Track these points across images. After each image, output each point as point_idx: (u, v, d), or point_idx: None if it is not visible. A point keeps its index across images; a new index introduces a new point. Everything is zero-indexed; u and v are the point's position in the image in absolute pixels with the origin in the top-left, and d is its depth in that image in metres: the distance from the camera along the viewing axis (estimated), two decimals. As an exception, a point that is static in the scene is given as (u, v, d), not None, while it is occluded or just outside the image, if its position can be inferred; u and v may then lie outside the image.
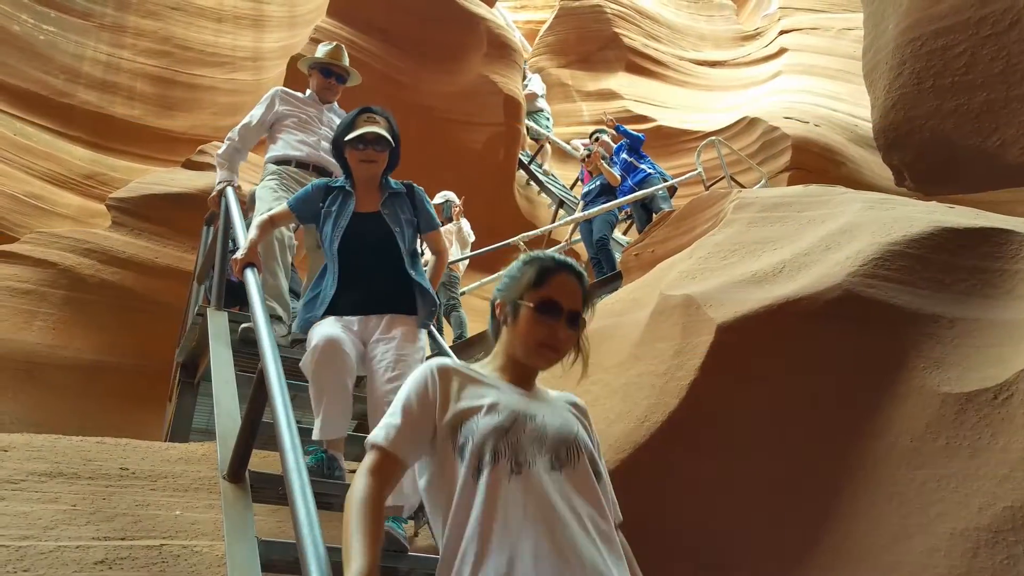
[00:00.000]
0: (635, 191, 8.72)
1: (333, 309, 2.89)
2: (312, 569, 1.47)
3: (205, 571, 2.50)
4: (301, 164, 4.29)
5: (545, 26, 15.96)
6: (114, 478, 3.01)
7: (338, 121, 4.26)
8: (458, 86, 10.25)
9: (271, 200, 3.96)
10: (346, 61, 4.62)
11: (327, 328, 2.80)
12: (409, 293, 3.00)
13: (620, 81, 14.32)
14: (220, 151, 4.30)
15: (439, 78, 10.04)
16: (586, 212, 8.53)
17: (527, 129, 11.95)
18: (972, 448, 2.50)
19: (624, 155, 9.06)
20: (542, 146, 12.24)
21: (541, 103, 12.46)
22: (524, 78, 12.48)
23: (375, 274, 2.98)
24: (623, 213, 9.45)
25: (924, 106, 5.17)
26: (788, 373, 2.86)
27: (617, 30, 14.73)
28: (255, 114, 4.37)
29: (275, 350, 2.34)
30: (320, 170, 4.30)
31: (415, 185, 3.30)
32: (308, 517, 1.61)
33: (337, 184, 3.17)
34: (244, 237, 3.32)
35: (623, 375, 3.22)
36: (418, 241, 3.31)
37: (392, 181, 3.21)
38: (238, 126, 4.36)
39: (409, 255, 3.06)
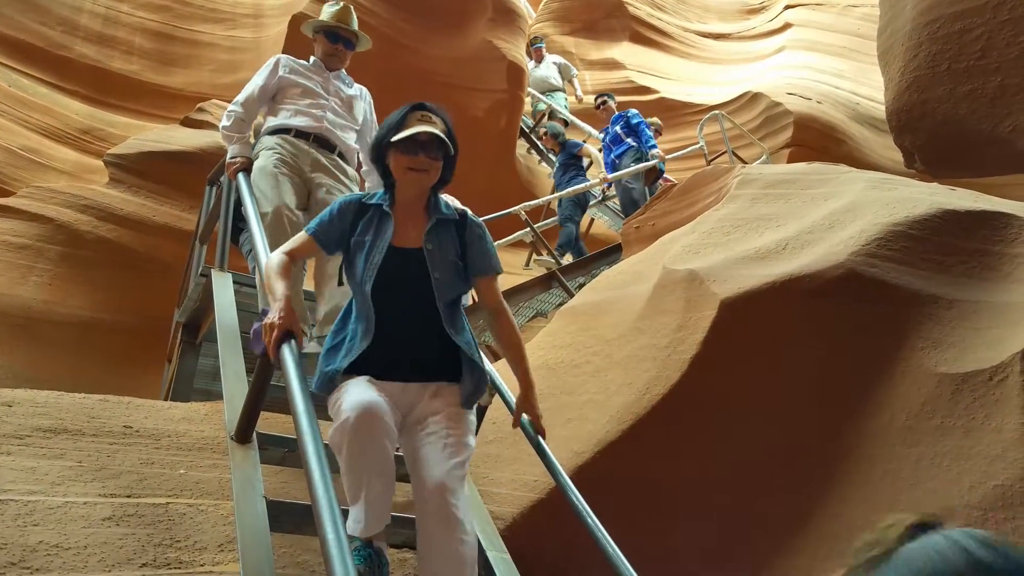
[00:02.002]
0: (615, 164, 8.76)
1: (362, 366, 2.22)
2: (328, 530, 1.51)
3: (211, 529, 2.54)
4: (301, 134, 3.81)
5: (550, -8, 15.76)
6: (118, 436, 3.04)
7: (347, 90, 4.06)
8: (461, 51, 10.14)
9: (269, 187, 3.55)
10: (355, 24, 4.19)
11: (360, 392, 2.12)
12: (456, 359, 2.32)
13: (624, 51, 14.20)
14: (226, 124, 3.85)
15: (442, 42, 9.94)
16: (575, 187, 8.48)
17: (545, 110, 11.64)
18: (966, 428, 2.56)
19: (618, 128, 9.01)
20: (543, 115, 12.15)
21: (556, 81, 12.05)
22: (540, 56, 12.11)
23: (416, 330, 2.30)
24: (602, 192, 9.48)
25: (938, 89, 5.15)
26: (789, 349, 2.91)
27: (622, -2, 14.57)
28: (257, 82, 3.94)
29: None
30: (322, 142, 3.85)
31: (470, 214, 2.48)
32: (323, 479, 1.64)
33: (372, 202, 2.39)
34: (260, 294, 2.70)
35: (625, 347, 3.26)
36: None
37: (442, 202, 2.43)
38: (241, 96, 3.92)
39: (448, 309, 2.33)
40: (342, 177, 3.81)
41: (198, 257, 4.52)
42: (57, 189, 7.68)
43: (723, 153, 10.02)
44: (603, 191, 9.43)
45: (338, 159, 3.86)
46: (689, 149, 9.53)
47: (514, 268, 8.64)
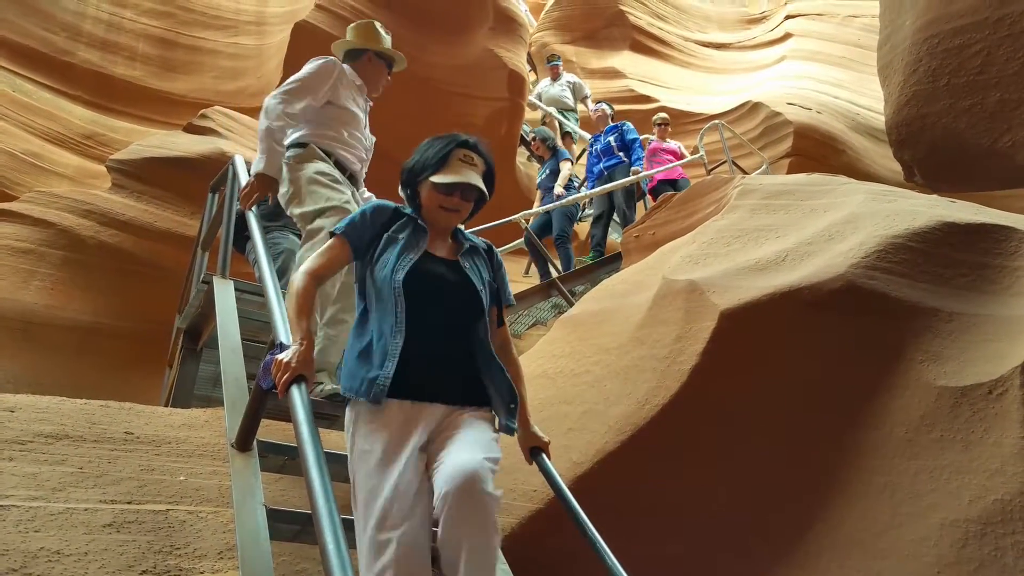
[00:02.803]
0: (603, 175, 8.71)
1: (400, 382, 2.01)
2: (328, 539, 1.51)
3: (211, 536, 2.55)
4: (340, 165, 3.48)
5: (551, 1, 15.81)
6: (119, 442, 3.05)
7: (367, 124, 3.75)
8: (462, 59, 10.17)
9: (331, 189, 3.22)
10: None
11: (402, 508, 1.88)
12: (484, 377, 2.18)
13: (624, 60, 14.24)
14: (272, 124, 3.30)
15: (443, 50, 9.97)
16: (571, 196, 8.43)
17: (559, 125, 11.50)
18: (965, 441, 2.56)
19: (611, 138, 8.96)
20: (545, 123, 12.18)
21: (569, 100, 11.92)
22: (556, 75, 11.94)
23: (451, 338, 2.14)
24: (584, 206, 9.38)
25: (938, 103, 5.18)
26: (789, 361, 2.91)
27: (623, 8, 14.62)
28: (310, 94, 3.42)
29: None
30: (352, 180, 3.55)
31: (493, 247, 2.48)
32: (323, 488, 1.65)
33: (408, 211, 2.32)
34: (280, 325, 2.31)
35: (624, 357, 3.26)
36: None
37: (468, 233, 2.41)
38: (299, 101, 3.38)
39: (482, 322, 2.23)
40: None
41: (200, 264, 4.53)
42: (59, 194, 7.70)
43: (723, 163, 10.06)
44: (582, 205, 9.28)
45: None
46: (689, 159, 9.55)
47: (513, 276, 8.65)
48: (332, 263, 2.23)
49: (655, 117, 10.00)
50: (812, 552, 2.63)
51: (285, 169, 3.37)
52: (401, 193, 2.34)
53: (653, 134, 9.75)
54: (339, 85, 3.51)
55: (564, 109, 11.61)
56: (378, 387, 1.99)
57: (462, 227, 2.44)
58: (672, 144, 9.56)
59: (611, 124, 9.27)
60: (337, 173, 3.41)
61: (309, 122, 3.47)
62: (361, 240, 2.24)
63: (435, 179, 2.20)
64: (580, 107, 11.82)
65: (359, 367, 2.07)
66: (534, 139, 8.89)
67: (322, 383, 3.01)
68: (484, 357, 2.18)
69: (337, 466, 2.28)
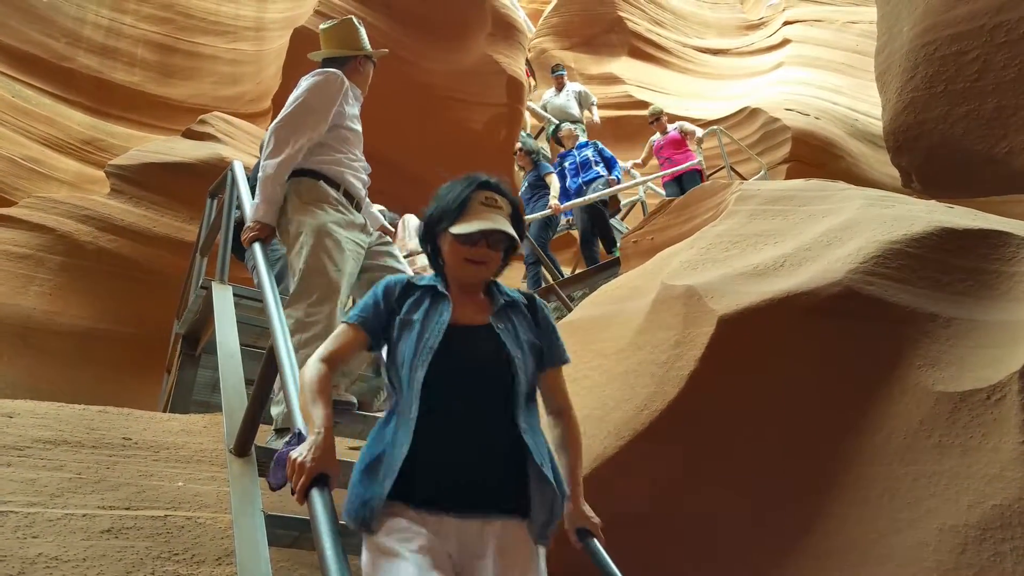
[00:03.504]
0: (582, 191, 8.56)
1: (405, 488, 1.71)
2: (326, 545, 1.51)
3: (209, 542, 2.55)
4: (348, 195, 3.23)
5: (549, 7, 15.86)
6: (117, 447, 3.05)
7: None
8: (461, 65, 10.20)
9: (341, 258, 2.97)
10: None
11: None
12: (523, 476, 1.81)
13: (623, 66, 14.29)
14: (274, 174, 3.04)
15: (442, 56, 10.00)
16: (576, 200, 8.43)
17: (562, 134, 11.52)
18: (964, 447, 2.56)
19: (588, 152, 8.88)
20: (543, 128, 12.20)
21: (575, 111, 11.83)
22: (561, 84, 11.90)
23: (477, 435, 1.79)
24: (566, 220, 9.27)
25: (935, 110, 5.20)
26: (787, 366, 2.91)
27: (621, 14, 14.67)
28: (320, 118, 3.15)
29: (284, 327, 2.37)
30: (357, 207, 3.31)
31: (538, 297, 2.13)
32: (321, 495, 1.65)
33: (422, 283, 2.00)
34: (295, 402, 2.10)
35: (623, 363, 3.26)
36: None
37: (503, 285, 2.07)
38: (302, 136, 3.10)
39: (525, 401, 1.88)
40: (381, 239, 3.44)
41: (199, 269, 4.53)
42: (58, 199, 7.71)
43: (721, 168, 10.08)
44: (569, 221, 9.20)
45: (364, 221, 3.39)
46: (687, 164, 9.57)
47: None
48: (346, 349, 1.93)
49: (647, 113, 10.02)
50: (810, 558, 2.63)
51: (289, 200, 3.11)
52: (422, 245, 2.06)
53: (654, 134, 9.78)
54: (345, 103, 3.29)
55: (570, 120, 11.35)
56: (368, 510, 1.68)
57: (499, 281, 2.09)
58: (673, 132, 9.56)
59: (582, 141, 9.19)
60: (346, 213, 3.17)
61: (317, 146, 3.20)
62: (376, 323, 1.95)
63: (456, 230, 1.87)
64: (585, 114, 11.77)
65: (359, 482, 1.75)
66: (519, 149, 8.71)
67: (336, 385, 2.99)
68: (526, 444, 1.81)
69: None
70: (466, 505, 1.72)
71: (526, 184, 8.59)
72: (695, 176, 9.07)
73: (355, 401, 3.13)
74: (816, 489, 2.73)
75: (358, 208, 3.32)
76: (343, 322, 1.97)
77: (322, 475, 1.66)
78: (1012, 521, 2.30)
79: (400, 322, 1.90)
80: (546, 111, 11.77)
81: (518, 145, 8.69)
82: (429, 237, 2.00)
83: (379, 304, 1.96)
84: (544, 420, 2.01)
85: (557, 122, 11.29)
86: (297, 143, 3.09)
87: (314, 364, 1.86)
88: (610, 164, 8.82)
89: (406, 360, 1.83)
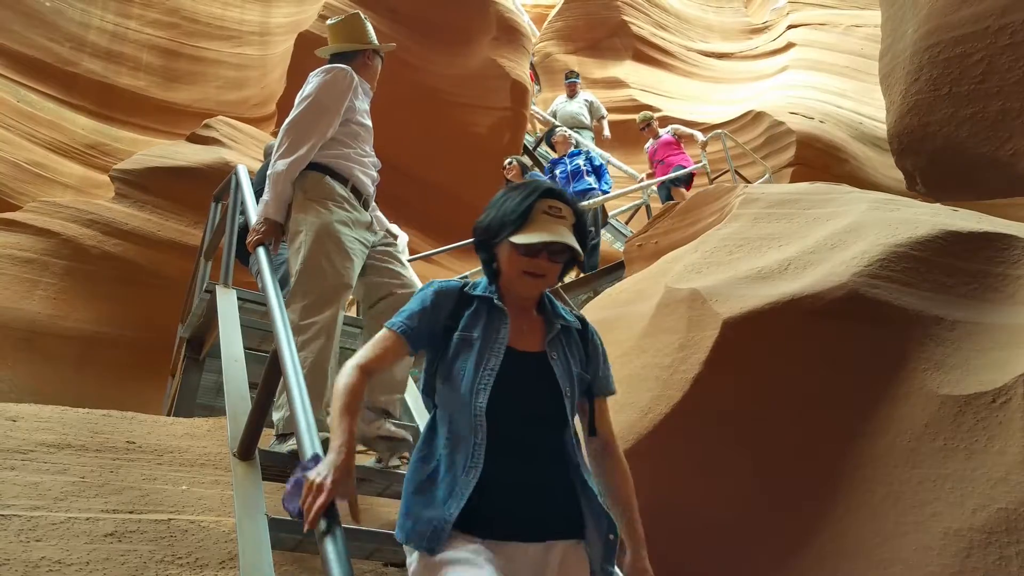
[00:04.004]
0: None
1: (470, 518, 1.64)
2: (329, 549, 1.51)
3: (212, 546, 2.54)
4: (356, 191, 3.15)
5: (554, 11, 15.89)
6: (121, 451, 3.05)
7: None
8: (465, 69, 10.22)
9: (341, 260, 2.90)
10: None
11: None
12: (575, 501, 1.77)
13: (627, 70, 14.30)
14: (284, 170, 2.99)
15: (447, 60, 10.02)
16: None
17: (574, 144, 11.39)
18: (969, 450, 2.55)
19: (579, 160, 8.79)
20: (543, 136, 12.20)
21: (585, 119, 11.72)
22: (573, 92, 11.71)
23: (536, 460, 1.75)
24: None
25: (940, 112, 5.18)
26: (791, 370, 2.91)
27: (626, 18, 14.68)
28: (331, 116, 3.09)
29: (288, 330, 2.37)
30: (366, 205, 3.24)
31: (590, 323, 2.02)
32: (333, 543, 1.64)
33: (477, 292, 1.89)
34: (306, 433, 1.96)
35: (627, 366, 3.26)
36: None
37: (559, 305, 1.96)
38: (311, 136, 3.03)
39: (571, 433, 1.85)
40: (386, 239, 3.34)
41: (203, 273, 4.54)
42: (63, 204, 7.74)
43: (726, 172, 10.07)
44: None
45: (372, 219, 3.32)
46: (692, 167, 9.56)
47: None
48: (386, 357, 1.82)
49: (637, 120, 9.98)
50: (815, 561, 2.62)
51: (295, 196, 3.08)
52: (478, 251, 1.92)
53: (648, 140, 9.75)
54: (355, 97, 3.22)
55: (579, 127, 11.31)
56: (433, 533, 1.62)
57: (557, 302, 1.97)
58: (665, 135, 9.52)
59: (574, 149, 9.08)
60: (351, 211, 3.09)
61: (328, 140, 3.14)
62: (420, 332, 1.84)
63: (517, 239, 1.75)
64: (595, 124, 11.68)
65: (416, 503, 1.68)
66: (510, 163, 8.36)
67: (379, 419, 2.90)
68: (576, 477, 1.77)
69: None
70: (529, 531, 1.69)
71: None
72: (684, 179, 9.02)
73: (409, 439, 2.93)
74: (820, 492, 2.72)
75: (366, 205, 3.25)
76: (386, 327, 1.84)
77: (333, 507, 1.57)
78: (1018, 525, 2.29)
79: (459, 339, 1.80)
80: (555, 117, 11.71)
81: (507, 161, 8.38)
82: (485, 246, 1.87)
83: (428, 313, 1.84)
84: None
85: (559, 124, 11.27)
86: (309, 142, 3.04)
87: (349, 372, 1.75)
88: (599, 173, 8.71)
89: (466, 380, 1.73)
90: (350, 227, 3.02)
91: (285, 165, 3.01)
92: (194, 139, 8.42)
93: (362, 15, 3.56)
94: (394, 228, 3.74)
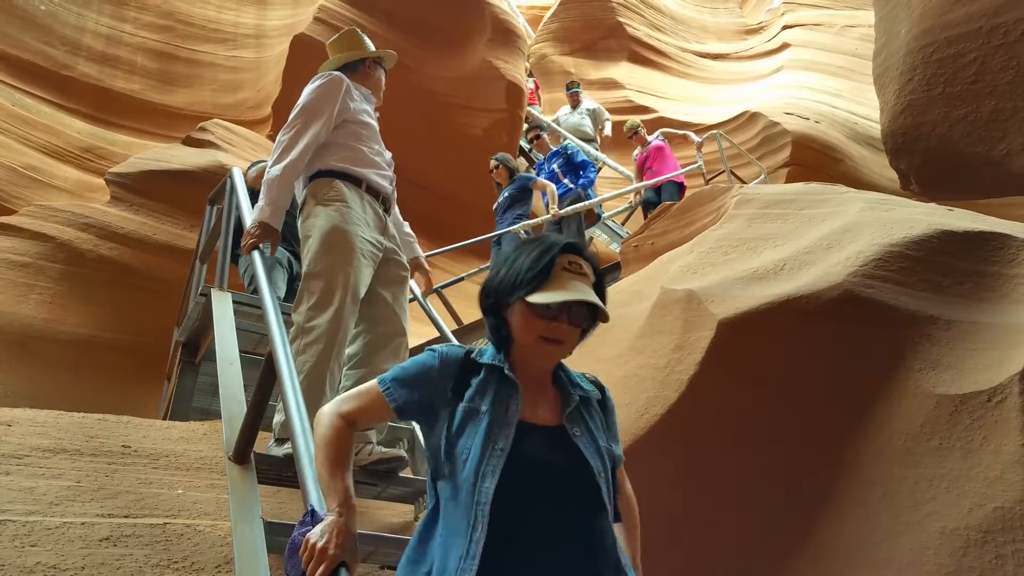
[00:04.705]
0: (549, 206, 8.06)
1: None
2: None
3: (208, 550, 2.54)
4: (372, 191, 3.12)
5: (549, 13, 15.90)
6: (116, 455, 3.04)
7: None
8: (461, 71, 10.23)
9: (348, 262, 2.85)
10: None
11: None
12: None
13: (622, 71, 14.31)
14: (278, 176, 2.97)
15: (442, 62, 10.03)
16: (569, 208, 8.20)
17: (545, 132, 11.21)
18: (964, 449, 2.55)
19: (555, 165, 8.53)
20: (535, 135, 12.20)
21: (589, 130, 11.38)
22: (576, 102, 11.55)
23: (555, 546, 1.48)
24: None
25: (933, 112, 5.20)
26: (787, 370, 2.91)
27: (621, 19, 14.70)
28: (322, 119, 3.08)
29: (283, 333, 2.36)
30: (387, 206, 3.21)
31: (606, 387, 1.85)
32: (320, 501, 1.64)
33: (484, 360, 1.66)
34: (301, 437, 1.92)
35: (623, 367, 3.26)
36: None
37: (573, 373, 1.76)
38: (300, 142, 3.02)
39: (606, 520, 1.59)
40: (403, 255, 3.29)
41: (198, 276, 4.53)
42: (58, 207, 7.72)
43: (721, 172, 10.09)
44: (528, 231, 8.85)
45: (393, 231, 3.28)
46: (687, 169, 9.58)
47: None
48: (372, 414, 1.65)
49: (625, 128, 9.92)
50: (811, 561, 2.62)
51: (306, 202, 3.08)
52: (485, 315, 1.70)
53: (636, 148, 9.69)
54: (349, 99, 3.21)
55: (584, 139, 11.10)
56: None
57: (575, 373, 1.77)
58: (655, 141, 9.47)
59: (554, 149, 8.83)
60: (363, 211, 3.06)
61: (330, 146, 3.13)
62: (413, 408, 1.63)
63: (534, 299, 1.55)
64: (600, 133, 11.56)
65: None
66: (497, 166, 8.06)
67: (370, 443, 2.87)
68: (605, 564, 1.52)
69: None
70: None
71: (505, 196, 7.97)
72: (673, 187, 8.93)
73: (404, 456, 2.91)
74: (816, 492, 2.72)
75: (386, 204, 3.22)
76: (378, 382, 1.65)
77: (342, 565, 1.42)
78: (1013, 524, 2.29)
79: (464, 410, 1.57)
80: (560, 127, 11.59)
81: (495, 162, 8.09)
82: (494, 308, 1.66)
83: (426, 383, 1.62)
84: None
85: (572, 137, 11.11)
86: (300, 146, 3.03)
87: (330, 419, 1.58)
88: (582, 167, 8.39)
89: (471, 462, 1.49)
90: (361, 227, 2.99)
91: (278, 170, 3.01)
92: (189, 142, 8.41)
93: (358, 31, 3.59)
94: (422, 258, 3.63)
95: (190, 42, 10.28)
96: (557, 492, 1.51)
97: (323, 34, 9.39)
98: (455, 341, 3.49)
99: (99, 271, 7.49)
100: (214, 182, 5.38)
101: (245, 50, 10.51)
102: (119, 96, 9.66)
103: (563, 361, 1.70)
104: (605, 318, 1.62)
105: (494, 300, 1.66)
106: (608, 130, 11.27)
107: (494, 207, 7.99)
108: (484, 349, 1.69)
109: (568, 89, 11.67)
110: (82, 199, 8.39)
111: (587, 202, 8.14)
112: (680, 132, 9.86)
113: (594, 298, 1.58)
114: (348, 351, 3.03)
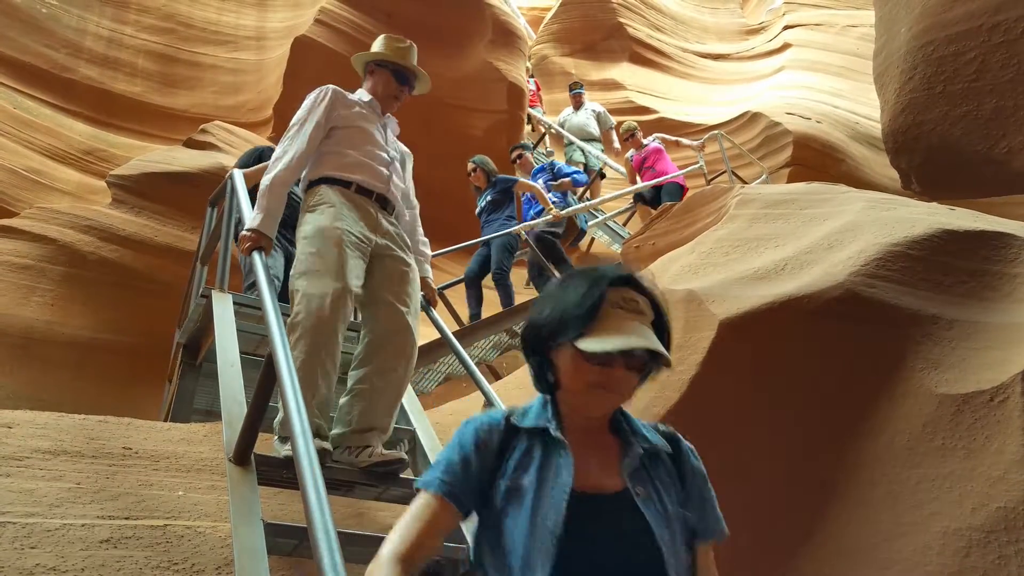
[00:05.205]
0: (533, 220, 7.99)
1: None
2: (323, 553, 1.50)
3: (208, 552, 2.53)
4: (363, 191, 3.16)
5: (550, 14, 15.90)
6: (117, 457, 3.04)
7: (395, 142, 3.50)
8: (462, 72, 10.23)
9: (333, 258, 2.88)
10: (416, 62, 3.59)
11: None
12: None
13: (623, 71, 14.30)
14: (269, 180, 3.06)
15: (443, 63, 10.02)
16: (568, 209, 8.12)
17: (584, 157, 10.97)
18: (967, 449, 2.55)
19: (541, 181, 8.38)
20: (544, 134, 12.21)
21: (593, 130, 11.36)
22: (579, 103, 11.51)
23: None
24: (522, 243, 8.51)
25: (934, 111, 5.20)
26: (788, 370, 2.90)
27: (622, 20, 14.69)
28: (308, 128, 3.16)
29: (283, 335, 2.36)
30: (384, 203, 3.23)
31: (679, 435, 1.54)
32: (319, 502, 1.64)
33: (527, 423, 1.43)
34: (300, 437, 1.88)
35: (624, 368, 3.25)
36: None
37: (637, 421, 1.50)
38: (289, 153, 3.11)
39: None
40: (408, 251, 3.26)
41: (199, 278, 4.53)
42: (60, 210, 7.72)
43: (723, 173, 10.08)
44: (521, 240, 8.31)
45: (400, 227, 3.31)
46: (688, 169, 9.57)
47: (515, 286, 8.64)
48: (432, 534, 1.35)
49: (622, 130, 9.87)
50: (813, 562, 2.61)
51: (299, 216, 3.16)
52: (528, 358, 1.48)
53: (630, 150, 9.62)
54: (339, 107, 3.26)
55: (589, 139, 11.11)
56: None
57: (637, 421, 1.51)
58: (651, 144, 9.41)
59: (539, 165, 8.72)
60: (347, 208, 3.07)
61: (322, 155, 3.20)
62: (470, 493, 1.38)
63: (585, 345, 1.32)
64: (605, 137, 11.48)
65: None
66: (475, 168, 7.80)
67: (370, 445, 2.85)
68: None
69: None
70: None
71: (487, 200, 7.75)
72: (674, 187, 8.89)
73: (405, 458, 2.91)
74: (819, 493, 2.71)
75: (384, 202, 3.23)
76: (418, 488, 1.40)
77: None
78: (1016, 524, 2.29)
79: (507, 488, 1.35)
80: (563, 128, 11.56)
81: (471, 166, 7.87)
82: (538, 349, 1.43)
83: (470, 462, 1.39)
84: None
85: (576, 140, 11.02)
86: (287, 157, 3.12)
87: (386, 568, 1.27)
88: (566, 180, 8.26)
89: (516, 550, 1.28)
90: (345, 222, 3.01)
91: (268, 180, 3.09)
92: (191, 144, 8.41)
93: (385, 36, 3.62)
94: (430, 278, 3.59)
95: (191, 44, 10.29)
96: (618, 571, 1.29)
97: (324, 36, 9.40)
98: (459, 346, 3.44)
99: (100, 273, 7.48)
100: (215, 184, 5.38)
101: (246, 52, 10.51)
102: (120, 98, 9.67)
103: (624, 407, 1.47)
104: (667, 363, 1.35)
105: (538, 340, 1.43)
106: (615, 140, 11.21)
107: (476, 212, 7.82)
108: (526, 409, 1.47)
109: (571, 90, 11.65)
110: (83, 201, 8.39)
111: (590, 202, 8.11)
112: (672, 138, 9.79)
113: (653, 343, 1.32)
114: (355, 352, 3.04)
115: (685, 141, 9.62)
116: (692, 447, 1.51)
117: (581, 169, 9.62)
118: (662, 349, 1.33)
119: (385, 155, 3.32)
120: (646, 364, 1.38)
